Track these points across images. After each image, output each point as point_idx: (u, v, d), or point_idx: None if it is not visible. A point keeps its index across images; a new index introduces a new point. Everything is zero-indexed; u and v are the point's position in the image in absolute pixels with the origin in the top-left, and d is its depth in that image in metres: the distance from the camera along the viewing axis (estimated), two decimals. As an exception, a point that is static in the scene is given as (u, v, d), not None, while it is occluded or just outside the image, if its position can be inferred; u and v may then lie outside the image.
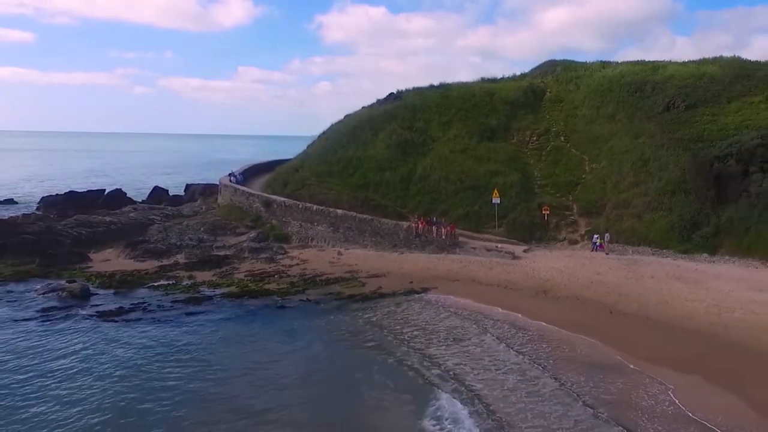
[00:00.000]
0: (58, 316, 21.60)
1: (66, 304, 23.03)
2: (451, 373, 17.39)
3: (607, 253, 30.49)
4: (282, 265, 29.80)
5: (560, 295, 24.74)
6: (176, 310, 22.78)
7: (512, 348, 19.09)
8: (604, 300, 23.76)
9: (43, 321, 21.09)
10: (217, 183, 56.76)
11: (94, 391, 15.91)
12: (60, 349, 18.54)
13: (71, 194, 49.73)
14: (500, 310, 22.80)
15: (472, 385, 16.53)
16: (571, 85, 48.81)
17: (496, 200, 34.12)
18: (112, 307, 22.70)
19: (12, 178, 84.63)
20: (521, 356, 18.43)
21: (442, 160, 38.55)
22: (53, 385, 16.21)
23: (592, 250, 31.18)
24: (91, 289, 24.90)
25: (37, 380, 16.52)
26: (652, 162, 35.78)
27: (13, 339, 19.40)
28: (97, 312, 22.10)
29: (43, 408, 14.93)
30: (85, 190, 53.61)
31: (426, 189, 36.86)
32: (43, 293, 24.35)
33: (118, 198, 47.95)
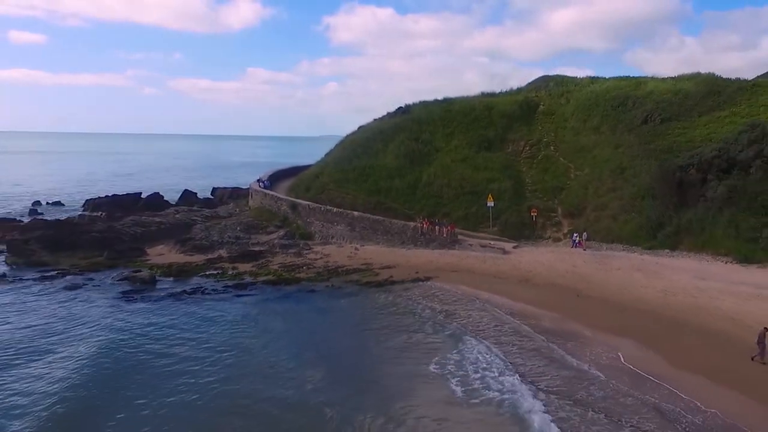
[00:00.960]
0: (136, 297, 27.27)
1: (139, 288, 28.71)
2: (455, 328, 23.72)
3: (584, 249, 35.75)
4: (308, 259, 35.34)
5: (539, 282, 30.11)
6: (228, 293, 28.45)
7: (493, 319, 24.59)
8: (574, 286, 29.08)
9: (128, 301, 26.78)
10: (241, 186, 62.76)
11: (210, 340, 22.44)
12: (159, 318, 24.61)
13: (114, 197, 55.63)
14: (488, 294, 28.21)
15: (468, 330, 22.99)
16: (562, 99, 53.96)
17: (490, 204, 39.47)
18: (177, 290, 28.39)
19: (46, 181, 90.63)
20: (500, 324, 23.96)
21: (444, 168, 43.96)
22: (181, 338, 22.64)
23: (572, 247, 36.45)
24: (156, 277, 30.54)
25: (169, 338, 22.61)
26: (628, 170, 40.80)
27: (119, 312, 25.30)
28: (167, 294, 27.80)
29: (189, 352, 21.32)
30: (124, 193, 59.35)
31: (430, 194, 42.33)
32: (119, 280, 30.01)
33: (156, 201, 53.79)
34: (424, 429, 16.16)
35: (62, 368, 19.48)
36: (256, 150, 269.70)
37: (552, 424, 16.04)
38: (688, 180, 36.42)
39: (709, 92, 47.07)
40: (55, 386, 18.15)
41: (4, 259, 33.99)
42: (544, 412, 16.69)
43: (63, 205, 59.44)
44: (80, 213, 50.01)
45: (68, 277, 30.40)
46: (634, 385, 18.40)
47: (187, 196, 60.79)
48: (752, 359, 20.08)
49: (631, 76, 56.03)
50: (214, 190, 65.24)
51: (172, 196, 63.79)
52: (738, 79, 49.55)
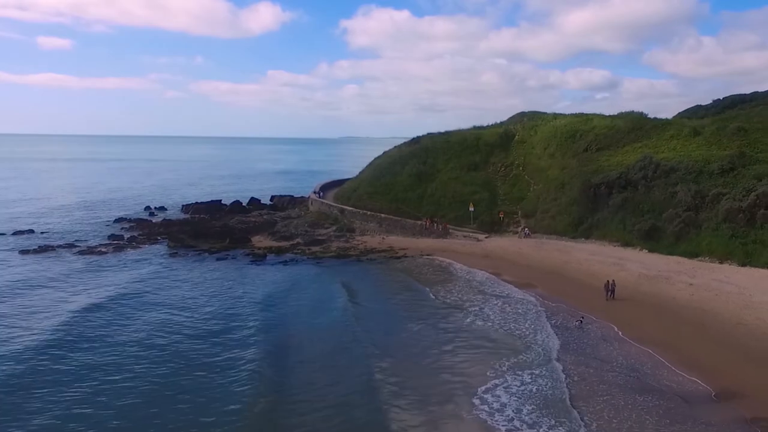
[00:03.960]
0: (261, 264, 47.80)
1: (259, 260, 49.16)
2: (442, 276, 43.49)
3: (521, 239, 55.18)
4: (353, 244, 55.49)
5: (495, 258, 49.90)
6: (310, 261, 48.86)
7: (460, 275, 44.73)
8: (513, 259, 48.83)
9: (257, 266, 47.28)
10: (294, 195, 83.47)
11: (315, 282, 42.87)
12: (282, 274, 44.96)
13: (204, 203, 76.64)
14: (461, 264, 48.16)
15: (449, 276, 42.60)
16: (532, 131, 73.48)
17: (471, 209, 59.33)
18: (281, 261, 48.90)
19: (136, 188, 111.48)
20: (465, 272, 44.13)
21: (442, 184, 63.95)
22: (307, 277, 43.88)
23: (523, 237, 56.17)
24: (266, 254, 51.13)
25: (301, 278, 43.61)
26: (566, 185, 60.18)
27: (257, 273, 45.57)
28: (277, 262, 48.38)
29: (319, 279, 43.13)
30: (209, 200, 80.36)
31: (432, 202, 62.35)
32: (245, 255, 50.51)
33: (238, 206, 74.87)
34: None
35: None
36: (285, 156, 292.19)
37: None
38: (599, 193, 55.67)
39: (633, 128, 65.77)
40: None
41: (166, 244, 54.78)
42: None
43: (166, 209, 79.99)
44: (190, 215, 70.90)
45: (214, 255, 51.09)
46: (526, 297, 38.39)
47: (254, 202, 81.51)
48: (606, 298, 39.20)
49: (584, 113, 75.28)
50: (272, 198, 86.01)
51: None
52: (656, 118, 68.70)
